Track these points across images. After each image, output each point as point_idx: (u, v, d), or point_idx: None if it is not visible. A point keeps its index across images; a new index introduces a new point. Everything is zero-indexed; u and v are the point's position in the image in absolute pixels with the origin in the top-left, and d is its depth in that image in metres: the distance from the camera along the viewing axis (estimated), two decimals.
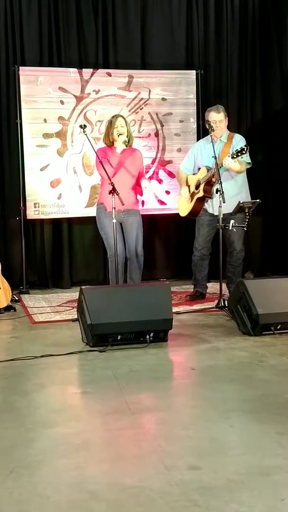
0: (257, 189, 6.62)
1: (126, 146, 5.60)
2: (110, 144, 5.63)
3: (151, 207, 6.78)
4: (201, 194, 5.73)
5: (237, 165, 5.51)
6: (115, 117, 5.64)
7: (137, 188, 5.69)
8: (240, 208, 5.22)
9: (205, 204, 5.80)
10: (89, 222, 6.72)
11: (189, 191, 5.89)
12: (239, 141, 5.70)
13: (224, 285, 5.56)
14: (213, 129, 5.60)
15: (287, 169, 7.02)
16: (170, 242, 7.25)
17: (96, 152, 5.52)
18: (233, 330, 4.72)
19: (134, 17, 6.88)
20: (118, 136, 5.52)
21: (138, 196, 5.79)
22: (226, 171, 5.58)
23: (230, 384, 3.55)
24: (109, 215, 5.34)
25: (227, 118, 5.80)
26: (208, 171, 5.66)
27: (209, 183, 5.66)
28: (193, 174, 5.91)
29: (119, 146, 5.56)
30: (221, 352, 4.19)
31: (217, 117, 5.70)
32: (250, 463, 2.52)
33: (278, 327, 4.56)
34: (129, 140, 5.63)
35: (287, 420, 2.96)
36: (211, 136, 5.59)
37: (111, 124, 5.59)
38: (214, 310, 5.40)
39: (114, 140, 5.58)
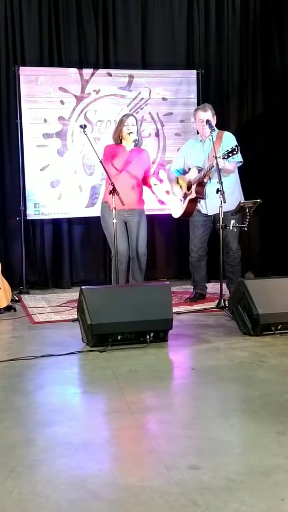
0: (257, 188, 6.63)
1: (135, 146, 5.54)
2: (118, 142, 5.58)
3: (151, 207, 6.75)
4: (193, 195, 5.67)
5: (229, 165, 5.48)
6: (126, 115, 5.61)
7: (143, 187, 5.65)
8: (240, 208, 5.21)
9: (198, 204, 5.77)
10: (89, 222, 6.74)
11: (181, 191, 5.86)
12: (229, 139, 5.66)
13: (224, 285, 5.56)
14: (214, 129, 5.59)
15: (287, 169, 7.02)
16: (170, 242, 7.24)
17: (104, 148, 5.56)
18: (233, 330, 4.72)
19: (134, 16, 6.88)
20: (129, 134, 5.48)
21: (151, 194, 5.72)
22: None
23: (230, 384, 3.55)
24: (113, 214, 5.31)
25: (215, 116, 5.76)
26: (199, 172, 5.64)
27: (201, 184, 5.62)
28: (183, 174, 5.88)
29: (129, 145, 5.49)
30: (222, 352, 4.19)
31: (204, 116, 5.67)
32: (250, 463, 2.52)
33: (279, 327, 4.56)
34: (138, 141, 5.60)
35: (287, 420, 2.96)
36: (198, 137, 5.54)
37: (121, 122, 5.55)
38: (214, 310, 5.40)
39: (123, 138, 5.52)
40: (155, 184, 5.59)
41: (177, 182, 5.87)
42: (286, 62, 7.03)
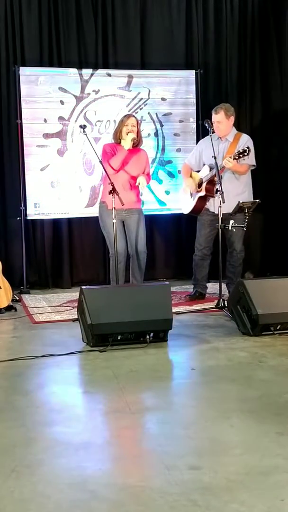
0: (257, 189, 6.63)
1: (133, 146, 5.58)
2: (118, 141, 5.63)
3: (151, 207, 6.78)
4: (203, 193, 5.72)
5: (238, 166, 5.50)
6: (127, 116, 5.68)
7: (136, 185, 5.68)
8: (239, 208, 5.22)
9: (207, 203, 5.80)
10: (89, 222, 6.73)
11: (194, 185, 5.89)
12: (246, 141, 5.66)
13: (224, 285, 5.57)
14: (213, 129, 5.60)
15: (287, 169, 7.03)
16: (170, 242, 7.25)
17: (103, 147, 5.63)
18: (233, 330, 4.73)
19: (133, 17, 6.88)
20: (127, 134, 5.52)
21: (151, 194, 5.76)
22: (230, 171, 5.58)
23: (230, 384, 3.56)
24: (111, 214, 5.34)
25: (231, 118, 5.72)
26: (210, 170, 5.66)
27: (211, 182, 5.64)
28: (197, 171, 5.92)
29: (127, 144, 5.54)
30: (221, 352, 4.20)
31: (214, 118, 5.69)
32: (250, 463, 2.53)
33: (278, 328, 4.57)
34: (138, 141, 5.63)
35: (287, 420, 2.97)
36: (215, 135, 5.57)
37: (122, 122, 5.61)
38: (214, 310, 5.41)
39: (122, 138, 5.58)
40: (138, 183, 5.59)
41: (191, 177, 5.91)
42: (285, 61, 7.03)
